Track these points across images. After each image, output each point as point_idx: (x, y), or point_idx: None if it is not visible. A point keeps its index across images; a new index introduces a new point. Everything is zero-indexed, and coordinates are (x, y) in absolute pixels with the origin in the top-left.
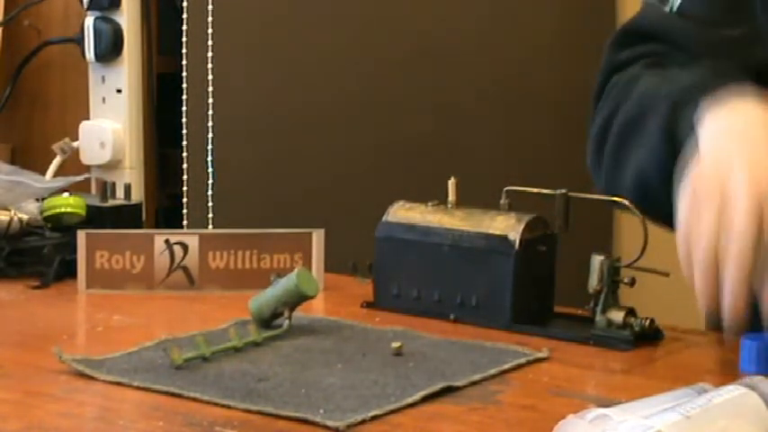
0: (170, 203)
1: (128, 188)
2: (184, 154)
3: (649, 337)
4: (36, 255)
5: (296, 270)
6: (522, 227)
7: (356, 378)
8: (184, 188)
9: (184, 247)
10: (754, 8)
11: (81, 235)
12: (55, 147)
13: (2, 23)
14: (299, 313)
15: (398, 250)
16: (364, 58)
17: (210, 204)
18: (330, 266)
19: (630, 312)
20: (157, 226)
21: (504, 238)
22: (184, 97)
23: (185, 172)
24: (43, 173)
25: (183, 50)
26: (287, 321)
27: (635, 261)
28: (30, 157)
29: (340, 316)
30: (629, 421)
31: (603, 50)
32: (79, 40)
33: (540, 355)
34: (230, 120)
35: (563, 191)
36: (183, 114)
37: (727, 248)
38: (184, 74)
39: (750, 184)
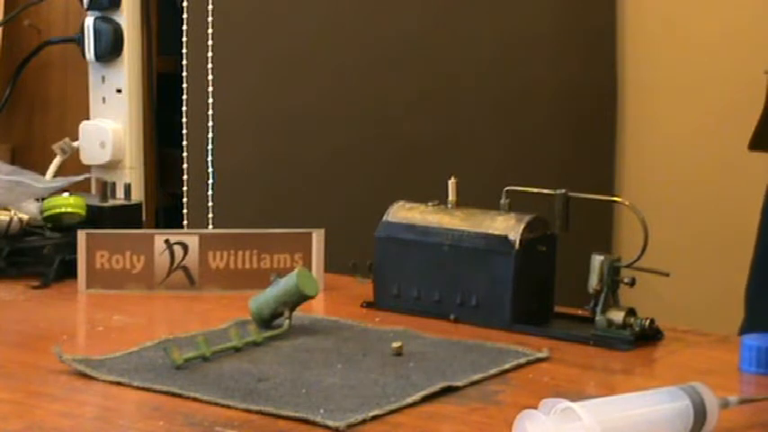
0: (170, 203)
1: (128, 188)
2: (184, 154)
3: (649, 337)
4: (36, 255)
5: (296, 270)
6: (522, 227)
7: (356, 378)
8: (184, 188)
9: (184, 247)
10: None
11: (81, 235)
12: (55, 147)
13: (2, 23)
14: (299, 313)
15: (398, 250)
16: (364, 59)
17: (210, 204)
18: (330, 266)
19: (630, 312)
20: (157, 226)
21: (504, 238)
22: (184, 97)
23: (185, 172)
24: (43, 173)
25: (183, 50)
26: (287, 321)
27: (635, 261)
28: (30, 157)
29: (340, 316)
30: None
31: None
32: (79, 40)
33: (540, 355)
34: (230, 120)
35: (563, 191)
36: (183, 114)
37: None
38: (184, 74)
39: None
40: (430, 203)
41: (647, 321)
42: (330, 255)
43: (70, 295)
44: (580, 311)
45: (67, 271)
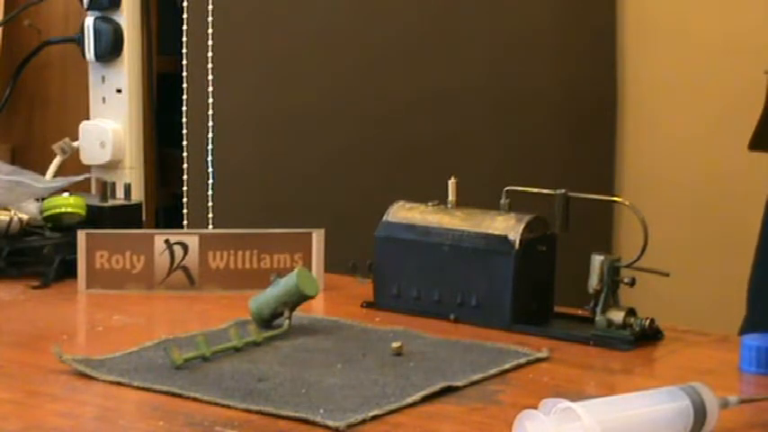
0: (170, 203)
1: (128, 188)
2: (184, 154)
3: (649, 337)
4: (36, 255)
5: (296, 270)
6: (522, 227)
7: (356, 378)
8: (184, 188)
9: (184, 247)
10: None
11: (81, 235)
12: (55, 147)
13: (2, 23)
14: (299, 313)
15: (398, 250)
16: (364, 59)
17: (210, 204)
18: (330, 266)
19: (630, 312)
20: (157, 226)
21: (503, 238)
22: (184, 97)
23: (185, 172)
24: (43, 173)
25: (183, 50)
26: (287, 321)
27: (635, 261)
28: (30, 157)
29: (340, 316)
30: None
31: None
32: (79, 40)
33: (540, 355)
34: (230, 120)
35: (563, 191)
36: (183, 114)
37: None
38: (184, 74)
39: None
40: (430, 203)
41: (647, 321)
42: (330, 255)
43: (70, 295)
44: (580, 311)
45: (67, 271)
